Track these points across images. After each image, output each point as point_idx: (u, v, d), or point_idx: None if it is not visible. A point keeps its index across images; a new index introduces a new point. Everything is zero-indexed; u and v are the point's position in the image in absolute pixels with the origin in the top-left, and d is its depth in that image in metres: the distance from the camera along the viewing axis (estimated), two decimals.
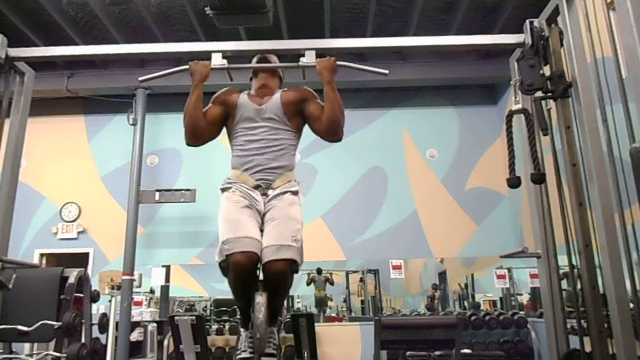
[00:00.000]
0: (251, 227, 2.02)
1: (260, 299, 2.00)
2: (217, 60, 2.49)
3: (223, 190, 2.19)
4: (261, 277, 2.06)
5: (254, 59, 2.43)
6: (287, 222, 2.05)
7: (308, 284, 6.79)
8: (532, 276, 5.97)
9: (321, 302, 6.75)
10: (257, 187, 2.15)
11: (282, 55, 2.65)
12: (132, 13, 5.56)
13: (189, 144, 2.26)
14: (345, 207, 6.76)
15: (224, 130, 2.37)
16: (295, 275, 2.11)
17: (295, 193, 2.18)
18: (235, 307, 5.35)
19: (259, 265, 2.02)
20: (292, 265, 1.99)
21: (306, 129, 2.37)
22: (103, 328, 4.66)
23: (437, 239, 6.63)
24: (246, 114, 2.24)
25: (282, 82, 2.47)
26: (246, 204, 2.09)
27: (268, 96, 2.29)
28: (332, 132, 2.22)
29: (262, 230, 2.07)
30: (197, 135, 2.25)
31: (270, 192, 2.14)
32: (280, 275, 1.98)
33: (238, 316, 2.31)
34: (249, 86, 2.45)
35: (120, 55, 2.84)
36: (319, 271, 6.82)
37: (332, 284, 6.88)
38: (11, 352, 3.94)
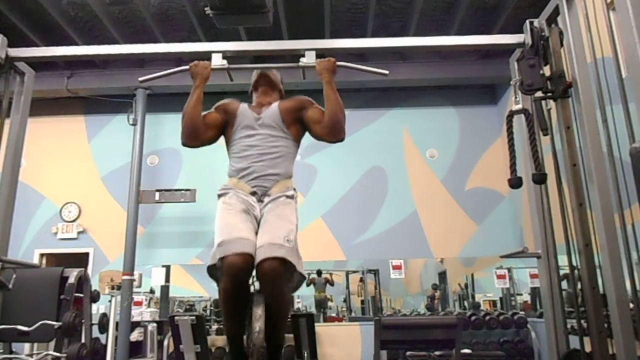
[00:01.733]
0: (246, 230, 1.99)
1: (257, 309, 1.94)
2: (217, 61, 2.49)
3: (220, 196, 2.17)
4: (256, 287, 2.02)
5: (254, 74, 2.41)
6: (279, 222, 2.02)
7: (308, 285, 6.78)
8: (532, 276, 5.97)
9: (321, 304, 6.76)
10: (253, 193, 2.13)
11: (282, 55, 2.65)
12: (132, 13, 5.56)
13: (184, 144, 2.25)
14: (345, 207, 6.76)
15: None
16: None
17: (290, 197, 2.15)
18: None
19: (253, 274, 1.97)
20: (286, 266, 1.92)
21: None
22: (103, 328, 4.66)
23: (437, 239, 6.63)
24: (245, 122, 2.25)
25: (282, 96, 2.45)
26: (242, 208, 2.07)
27: (267, 106, 2.30)
28: (334, 133, 2.21)
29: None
30: (193, 136, 2.23)
31: (267, 199, 2.12)
32: (272, 274, 1.89)
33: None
34: (249, 87, 2.45)
35: (120, 55, 2.84)
36: (319, 273, 6.82)
37: (332, 284, 6.89)
38: (11, 352, 3.94)
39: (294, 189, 2.21)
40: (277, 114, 2.25)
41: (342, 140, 2.24)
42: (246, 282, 1.97)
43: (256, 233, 2.02)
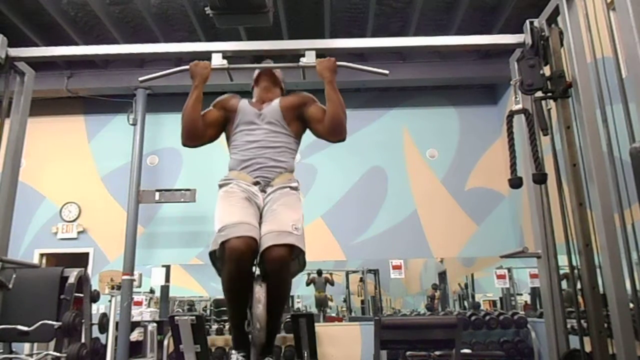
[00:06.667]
0: (249, 216, 1.95)
1: (260, 290, 1.90)
2: (217, 61, 2.49)
3: (220, 186, 2.15)
4: (258, 273, 2.00)
5: (256, 71, 2.40)
6: (286, 212, 2.00)
7: (308, 284, 6.79)
8: (532, 276, 5.97)
9: (321, 303, 6.75)
10: (256, 183, 2.11)
11: (282, 55, 2.65)
12: (132, 13, 5.56)
13: (184, 145, 2.25)
14: (345, 207, 6.76)
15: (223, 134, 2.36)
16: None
17: (295, 188, 2.15)
18: None
19: (255, 262, 1.94)
20: (295, 254, 1.91)
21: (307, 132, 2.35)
22: (103, 328, 4.66)
23: (437, 239, 6.63)
24: (246, 118, 2.23)
25: (283, 93, 2.43)
26: (244, 196, 2.04)
27: (268, 102, 2.28)
28: (336, 133, 2.21)
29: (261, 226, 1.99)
30: (193, 137, 2.23)
31: (269, 189, 2.10)
32: (281, 262, 1.85)
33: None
34: (249, 87, 2.45)
35: (120, 55, 2.84)
36: (319, 272, 6.82)
37: (332, 284, 6.89)
38: (11, 352, 3.94)
39: (297, 182, 2.20)
40: (278, 111, 2.23)
41: (343, 140, 2.23)
42: (249, 268, 1.93)
43: (258, 222, 1.99)
